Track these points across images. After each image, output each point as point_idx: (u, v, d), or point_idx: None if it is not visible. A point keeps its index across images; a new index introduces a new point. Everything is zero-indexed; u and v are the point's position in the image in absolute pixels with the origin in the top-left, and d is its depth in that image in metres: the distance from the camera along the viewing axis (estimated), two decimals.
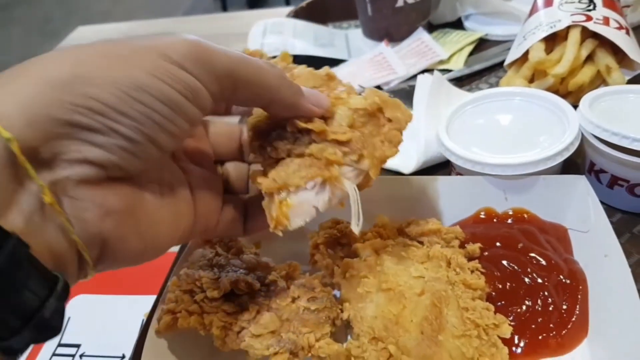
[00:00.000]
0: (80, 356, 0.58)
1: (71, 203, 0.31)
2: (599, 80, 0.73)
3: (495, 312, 0.46)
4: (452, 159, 0.59)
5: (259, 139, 0.46)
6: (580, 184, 0.53)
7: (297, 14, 1.22)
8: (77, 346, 0.59)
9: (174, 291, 0.51)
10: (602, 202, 0.55)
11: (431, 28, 1.06)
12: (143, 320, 0.60)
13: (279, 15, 1.23)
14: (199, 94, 0.34)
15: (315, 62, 1.03)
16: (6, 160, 0.28)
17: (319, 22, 1.18)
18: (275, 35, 1.09)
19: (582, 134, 0.57)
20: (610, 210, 0.59)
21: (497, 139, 0.60)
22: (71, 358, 0.58)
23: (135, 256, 0.36)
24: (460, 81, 0.89)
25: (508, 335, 0.45)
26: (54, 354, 0.59)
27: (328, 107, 0.44)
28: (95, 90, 0.30)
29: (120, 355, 0.57)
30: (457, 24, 1.07)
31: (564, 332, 0.47)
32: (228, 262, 0.54)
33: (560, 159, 0.54)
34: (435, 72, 0.74)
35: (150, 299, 0.61)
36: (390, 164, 0.69)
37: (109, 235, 0.33)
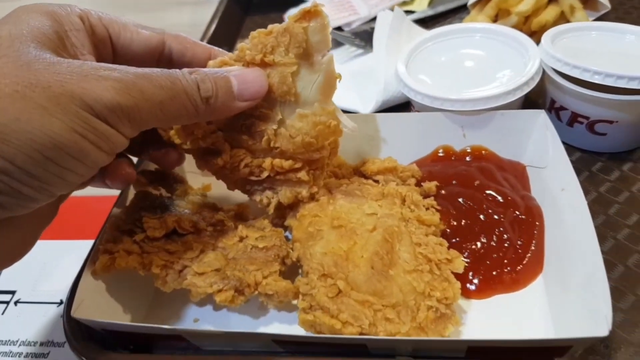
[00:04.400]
0: (15, 303, 0.55)
1: None
2: (563, 21, 0.71)
3: (449, 248, 0.45)
4: (411, 95, 0.56)
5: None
6: (539, 118, 0.51)
7: None
8: (12, 292, 0.56)
9: (112, 232, 0.47)
10: (562, 142, 0.53)
11: None
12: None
13: None
14: (114, 143, 0.34)
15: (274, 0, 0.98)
16: None
17: None
18: None
19: (544, 71, 0.55)
20: (570, 149, 0.57)
21: (457, 75, 0.58)
22: (5, 305, 0.54)
23: None
24: (424, 23, 0.85)
25: (461, 270, 0.43)
26: None
27: (264, 91, 0.42)
28: (8, 148, 0.29)
29: (58, 301, 0.54)
30: None
31: (518, 267, 0.45)
32: (172, 203, 0.50)
33: (520, 94, 0.52)
34: (396, 8, 0.70)
35: (90, 243, 0.58)
36: (349, 105, 0.66)
37: None
